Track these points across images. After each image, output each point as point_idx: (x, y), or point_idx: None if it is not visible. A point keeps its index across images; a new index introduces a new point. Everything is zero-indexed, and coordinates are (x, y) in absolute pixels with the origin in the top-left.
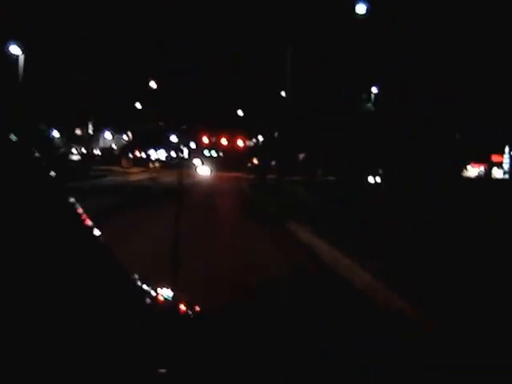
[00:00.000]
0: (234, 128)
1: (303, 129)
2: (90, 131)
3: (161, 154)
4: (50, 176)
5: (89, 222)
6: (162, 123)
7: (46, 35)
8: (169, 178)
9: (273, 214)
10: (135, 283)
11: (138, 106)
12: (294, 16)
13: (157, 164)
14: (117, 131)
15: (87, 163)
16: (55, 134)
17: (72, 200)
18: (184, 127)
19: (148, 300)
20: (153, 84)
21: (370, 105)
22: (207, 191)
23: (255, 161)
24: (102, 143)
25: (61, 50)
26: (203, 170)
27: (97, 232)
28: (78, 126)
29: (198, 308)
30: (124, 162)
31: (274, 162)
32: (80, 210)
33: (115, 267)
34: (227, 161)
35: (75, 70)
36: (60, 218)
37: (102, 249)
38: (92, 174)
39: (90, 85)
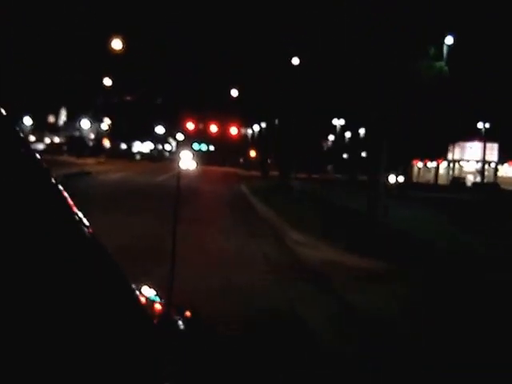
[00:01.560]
0: (227, 112)
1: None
2: (64, 117)
3: (146, 147)
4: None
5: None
6: (129, 97)
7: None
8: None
9: None
10: (133, 289)
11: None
12: None
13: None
14: (95, 119)
15: None
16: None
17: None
18: (159, 102)
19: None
20: (117, 44)
21: (442, 64)
22: (185, 199)
23: (252, 153)
24: (79, 132)
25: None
26: (187, 164)
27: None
28: (50, 113)
29: (188, 313)
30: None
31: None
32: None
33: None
34: (218, 153)
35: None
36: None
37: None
38: None
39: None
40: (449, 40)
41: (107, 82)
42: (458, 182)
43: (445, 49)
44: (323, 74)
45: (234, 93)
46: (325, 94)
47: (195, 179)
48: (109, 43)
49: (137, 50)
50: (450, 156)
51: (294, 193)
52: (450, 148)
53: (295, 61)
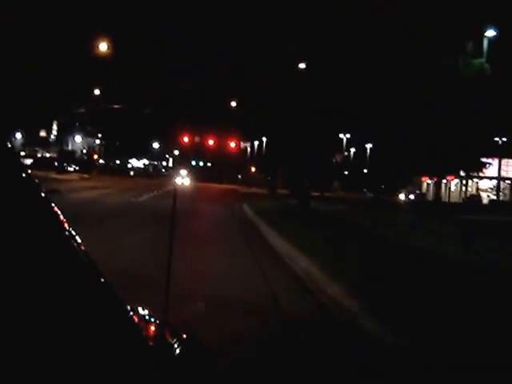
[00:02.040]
0: (225, 124)
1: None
2: (55, 132)
3: (142, 163)
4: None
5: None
6: (118, 106)
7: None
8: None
9: None
10: (127, 310)
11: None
12: None
13: None
14: (87, 133)
15: None
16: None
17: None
18: (148, 111)
19: (143, 333)
20: (103, 46)
21: (482, 61)
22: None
23: (253, 169)
24: (71, 146)
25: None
26: (182, 180)
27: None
28: (42, 128)
29: (184, 335)
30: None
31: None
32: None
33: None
34: (215, 168)
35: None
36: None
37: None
38: None
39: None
40: (490, 33)
41: (96, 88)
42: (474, 199)
43: (485, 43)
44: (326, 76)
45: (233, 104)
46: (329, 100)
47: (190, 198)
48: (97, 46)
49: (136, 50)
50: (493, 172)
51: (313, 217)
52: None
53: (297, 63)
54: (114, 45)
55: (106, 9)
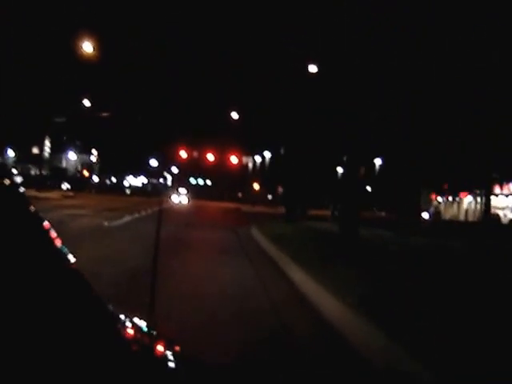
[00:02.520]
0: (225, 137)
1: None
2: (47, 149)
3: (139, 181)
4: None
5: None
6: (106, 114)
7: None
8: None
9: None
10: (111, 316)
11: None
12: None
13: None
14: (81, 150)
15: None
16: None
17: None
18: (140, 118)
19: (124, 337)
20: (88, 47)
21: None
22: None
23: (256, 186)
24: (64, 164)
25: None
26: (179, 199)
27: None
28: (35, 144)
29: (177, 348)
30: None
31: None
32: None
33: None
34: (215, 185)
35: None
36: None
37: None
38: None
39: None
40: None
41: (88, 93)
42: (492, 219)
43: None
44: (326, 77)
45: (234, 115)
46: (331, 101)
47: (184, 220)
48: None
49: (136, 50)
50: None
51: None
52: None
53: (296, 63)
54: (102, 45)
55: (106, 9)
